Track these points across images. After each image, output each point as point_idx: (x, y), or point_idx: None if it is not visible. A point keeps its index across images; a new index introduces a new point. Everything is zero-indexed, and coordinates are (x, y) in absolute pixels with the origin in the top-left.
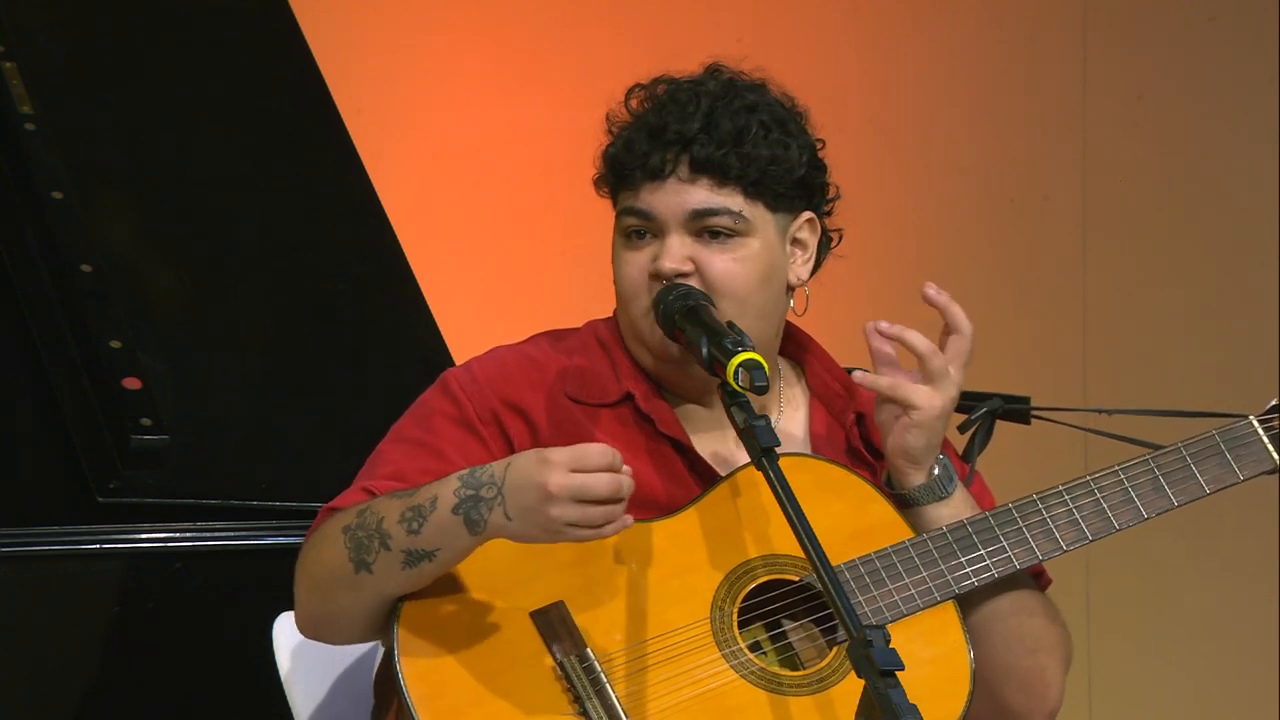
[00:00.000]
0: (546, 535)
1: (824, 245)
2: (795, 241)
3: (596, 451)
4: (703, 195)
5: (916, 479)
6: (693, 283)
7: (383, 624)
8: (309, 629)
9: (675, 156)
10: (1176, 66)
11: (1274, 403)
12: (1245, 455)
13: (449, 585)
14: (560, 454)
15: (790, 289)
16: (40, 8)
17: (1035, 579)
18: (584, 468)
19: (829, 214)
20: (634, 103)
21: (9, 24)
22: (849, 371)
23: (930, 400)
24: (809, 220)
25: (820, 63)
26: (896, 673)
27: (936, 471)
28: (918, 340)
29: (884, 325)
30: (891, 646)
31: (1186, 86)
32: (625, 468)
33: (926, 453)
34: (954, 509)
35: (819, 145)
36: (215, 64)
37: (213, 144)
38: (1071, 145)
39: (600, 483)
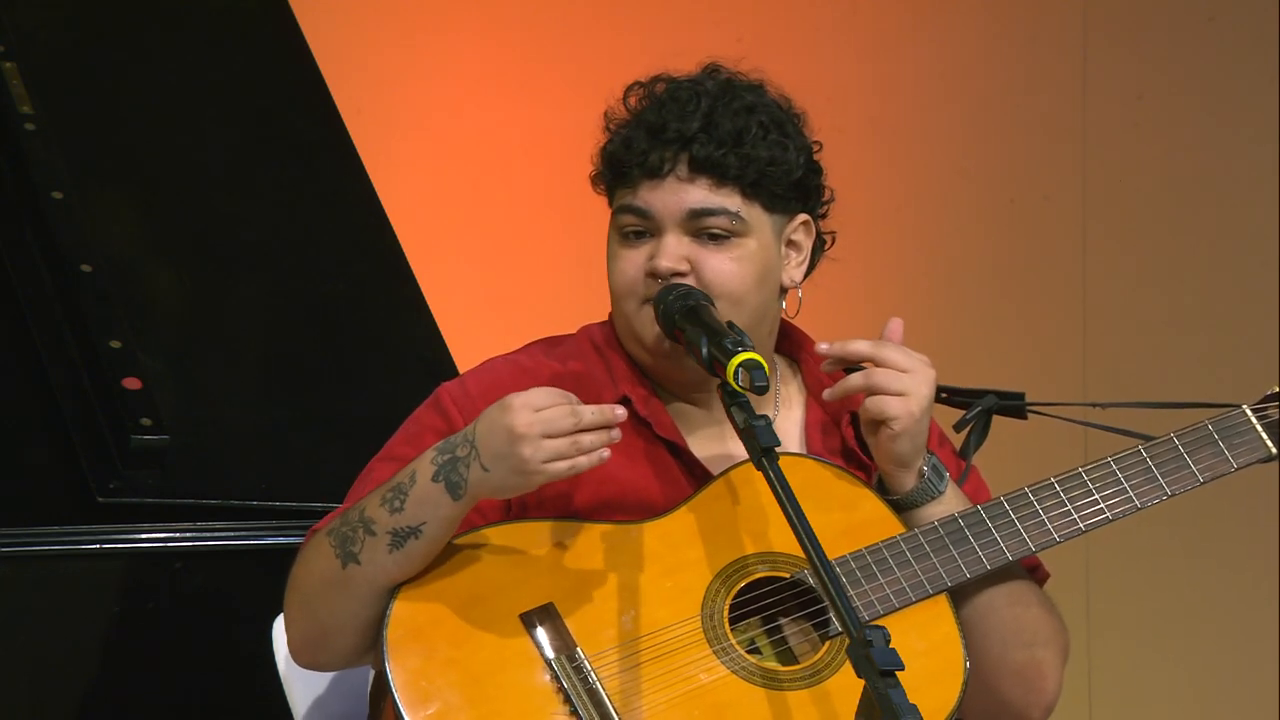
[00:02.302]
0: (523, 478)
1: (818, 248)
2: (790, 243)
3: (544, 391)
4: (701, 195)
5: (908, 482)
6: (689, 282)
7: (372, 638)
8: (304, 651)
9: (674, 155)
10: (1176, 66)
11: (1270, 391)
12: (1239, 444)
13: (438, 588)
14: (518, 397)
15: (784, 290)
16: (40, 8)
17: (1031, 573)
18: (542, 405)
19: (824, 216)
20: (632, 100)
21: (9, 24)
22: (846, 371)
23: (906, 407)
24: (804, 223)
25: (820, 63)
26: None
27: (926, 472)
28: (860, 348)
29: (822, 348)
30: (891, 646)
31: (1186, 86)
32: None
33: (914, 455)
34: (947, 506)
35: (816, 147)
36: (215, 64)
37: (213, 144)
38: (1071, 145)
39: (560, 415)
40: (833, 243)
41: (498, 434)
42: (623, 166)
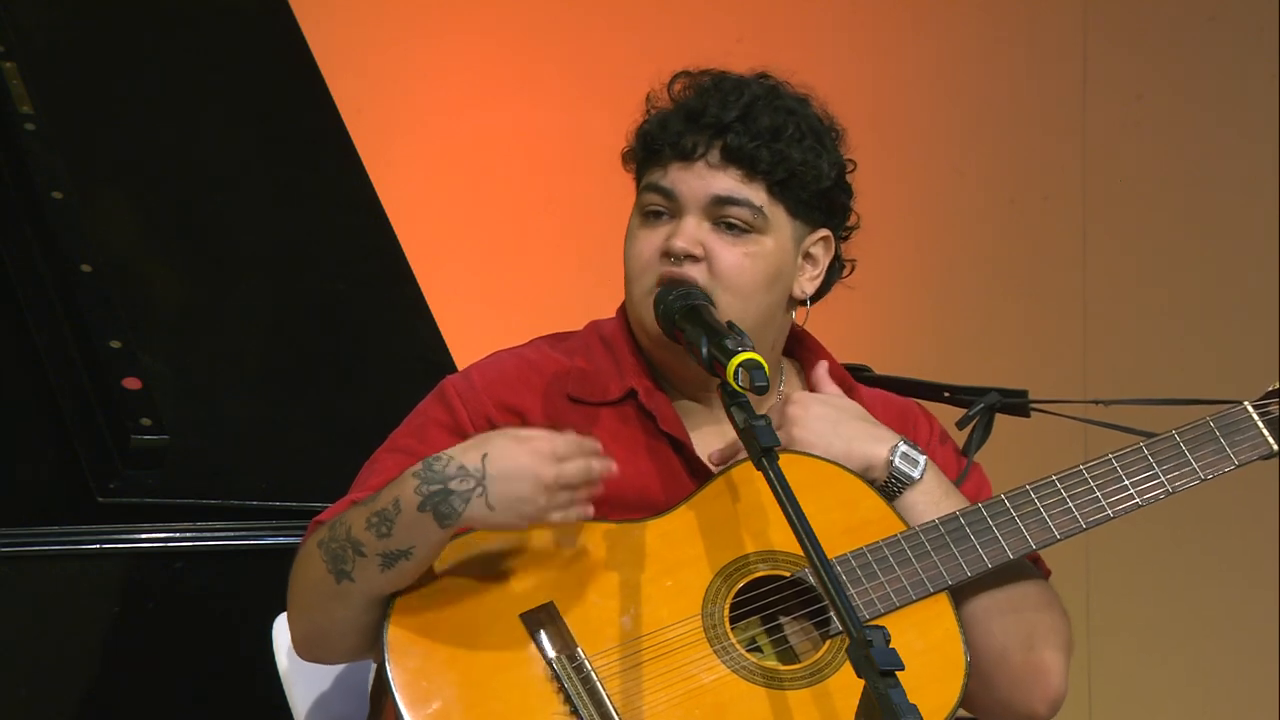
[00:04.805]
0: (522, 521)
1: (835, 269)
2: (808, 255)
3: (567, 441)
4: (728, 184)
5: (876, 477)
6: (700, 270)
7: (373, 637)
8: (305, 649)
9: (708, 141)
10: (1176, 66)
11: (1271, 388)
12: (1240, 440)
13: (439, 588)
14: (542, 445)
15: (793, 301)
16: (40, 8)
17: (1034, 565)
18: (565, 456)
19: (846, 239)
20: (677, 87)
21: (9, 24)
22: (850, 371)
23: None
24: (825, 238)
25: (820, 63)
26: None
27: (894, 463)
28: None
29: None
30: (891, 646)
31: (1186, 86)
32: (598, 456)
33: (844, 459)
34: (925, 496)
35: (850, 167)
36: (215, 64)
37: (213, 144)
38: (1071, 145)
39: (578, 469)
40: (852, 270)
41: (520, 481)
42: (656, 145)
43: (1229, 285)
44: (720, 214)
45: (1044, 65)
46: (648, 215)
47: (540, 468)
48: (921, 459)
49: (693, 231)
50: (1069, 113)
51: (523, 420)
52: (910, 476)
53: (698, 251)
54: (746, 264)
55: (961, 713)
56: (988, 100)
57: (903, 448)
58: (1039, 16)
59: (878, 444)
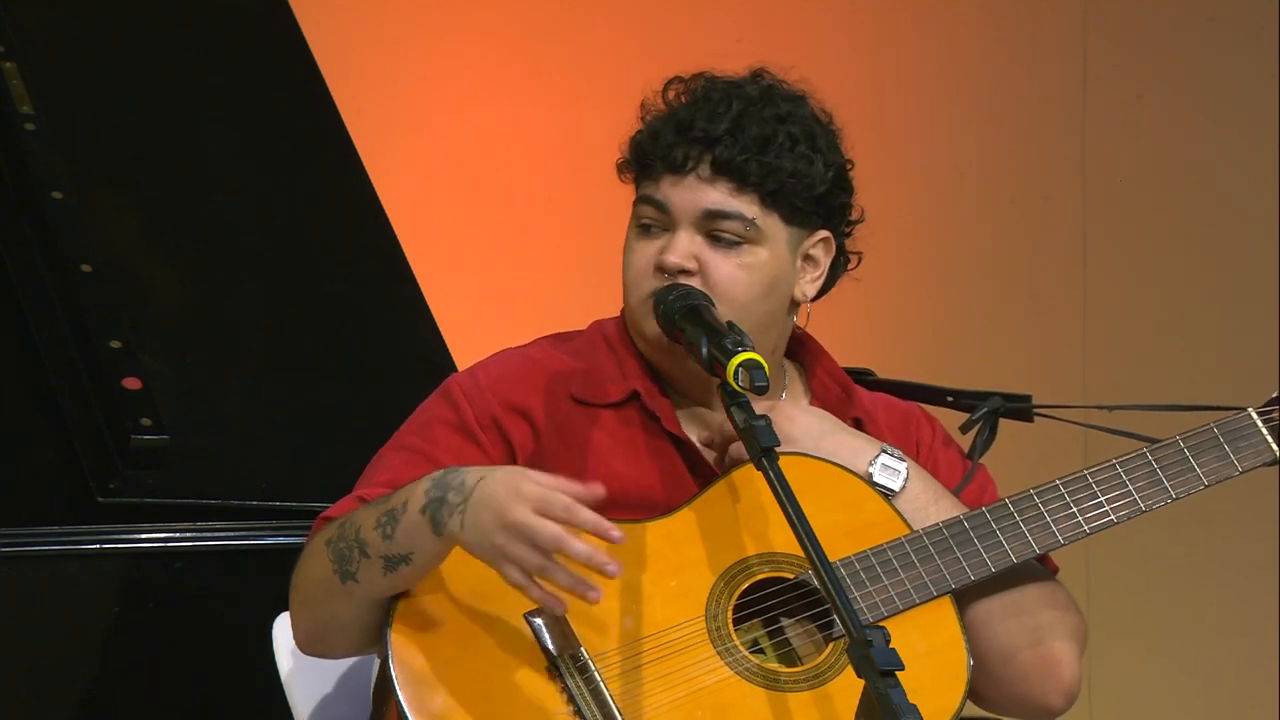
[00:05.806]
0: (489, 558)
1: (838, 266)
2: (807, 258)
3: (561, 504)
4: (718, 197)
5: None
6: (695, 283)
7: (377, 634)
8: (307, 644)
9: (698, 154)
10: (1176, 66)
11: (1275, 394)
12: (1244, 447)
13: (443, 588)
14: (531, 489)
15: (795, 304)
16: (40, 8)
17: (1040, 563)
18: (546, 512)
19: (849, 235)
20: (670, 94)
21: (9, 24)
22: (854, 375)
23: None
24: (824, 239)
25: (820, 63)
26: None
27: (873, 473)
28: None
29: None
30: (891, 646)
31: (1186, 86)
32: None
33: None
34: (911, 503)
35: (849, 166)
36: (216, 64)
37: (213, 144)
38: (1071, 145)
39: (549, 533)
40: (858, 263)
41: (489, 509)
42: (648, 158)
43: (1229, 285)
44: (712, 227)
45: (1044, 65)
46: (643, 227)
47: (509, 504)
48: (903, 469)
49: (685, 246)
50: (1069, 113)
51: (528, 419)
52: (890, 489)
53: (691, 265)
54: (741, 276)
55: (981, 711)
56: (988, 100)
57: (883, 459)
58: (1039, 16)
59: (856, 457)
